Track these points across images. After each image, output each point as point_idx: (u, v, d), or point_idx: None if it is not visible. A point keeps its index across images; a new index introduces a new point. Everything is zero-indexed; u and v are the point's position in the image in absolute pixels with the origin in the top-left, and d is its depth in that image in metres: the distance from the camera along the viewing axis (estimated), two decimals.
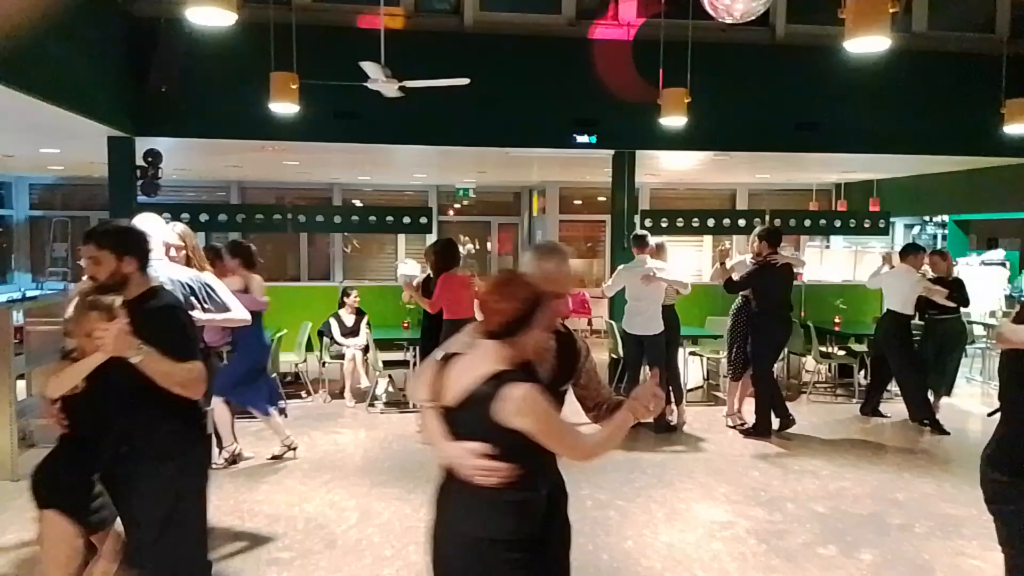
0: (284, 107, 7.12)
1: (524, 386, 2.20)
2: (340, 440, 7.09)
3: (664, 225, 9.99)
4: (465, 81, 7.24)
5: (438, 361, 2.42)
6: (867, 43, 4.66)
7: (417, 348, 7.41)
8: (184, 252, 4.24)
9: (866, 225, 10.64)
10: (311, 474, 6.04)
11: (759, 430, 7.10)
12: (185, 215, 9.87)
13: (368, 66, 6.88)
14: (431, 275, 7.08)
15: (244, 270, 6.16)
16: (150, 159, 8.97)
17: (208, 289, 4.03)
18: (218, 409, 5.88)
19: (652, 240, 7.42)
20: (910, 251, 7.64)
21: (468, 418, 2.29)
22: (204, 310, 3.96)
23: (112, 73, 8.07)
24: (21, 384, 6.21)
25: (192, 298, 3.91)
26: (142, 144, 8.90)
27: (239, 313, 4.20)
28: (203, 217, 9.81)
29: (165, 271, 3.84)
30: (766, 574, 4.39)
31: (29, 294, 12.11)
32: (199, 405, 3.06)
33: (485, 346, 2.32)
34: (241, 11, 4.89)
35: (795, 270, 7.39)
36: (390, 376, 8.70)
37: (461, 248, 7.36)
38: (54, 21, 6.57)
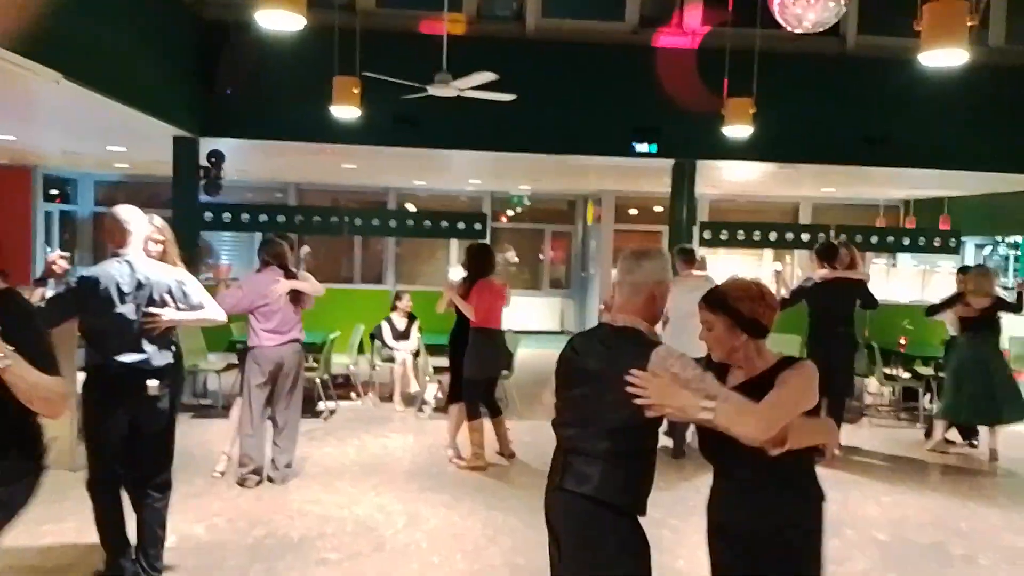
0: (346, 111, 7.17)
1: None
2: (389, 444, 7.08)
3: (724, 238, 9.79)
4: (511, 97, 7.22)
5: None
6: (943, 56, 4.47)
7: (448, 358, 6.74)
8: (161, 246, 4.19)
9: (936, 244, 10.29)
10: (360, 477, 6.03)
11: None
12: (245, 215, 10.06)
13: (436, 88, 6.95)
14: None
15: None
16: (213, 160, 9.13)
17: (183, 287, 3.99)
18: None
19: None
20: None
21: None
22: (177, 308, 3.93)
23: (180, 75, 8.24)
24: (81, 376, 6.33)
25: (168, 295, 3.89)
26: (206, 145, 9.07)
27: (213, 312, 4.12)
28: (262, 218, 9.96)
29: (142, 268, 3.86)
30: None
31: None
32: (42, 436, 2.74)
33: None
34: (307, 15, 4.92)
35: (864, 286, 6.96)
36: (439, 382, 8.66)
37: (503, 256, 7.12)
38: (126, 23, 6.73)
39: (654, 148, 9.28)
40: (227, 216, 9.93)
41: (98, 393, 3.84)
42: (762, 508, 2.43)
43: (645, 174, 11.08)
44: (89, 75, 6.01)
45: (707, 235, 10.26)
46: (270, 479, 5.76)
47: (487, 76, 7.12)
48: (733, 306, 2.47)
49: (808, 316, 7.01)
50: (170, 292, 3.90)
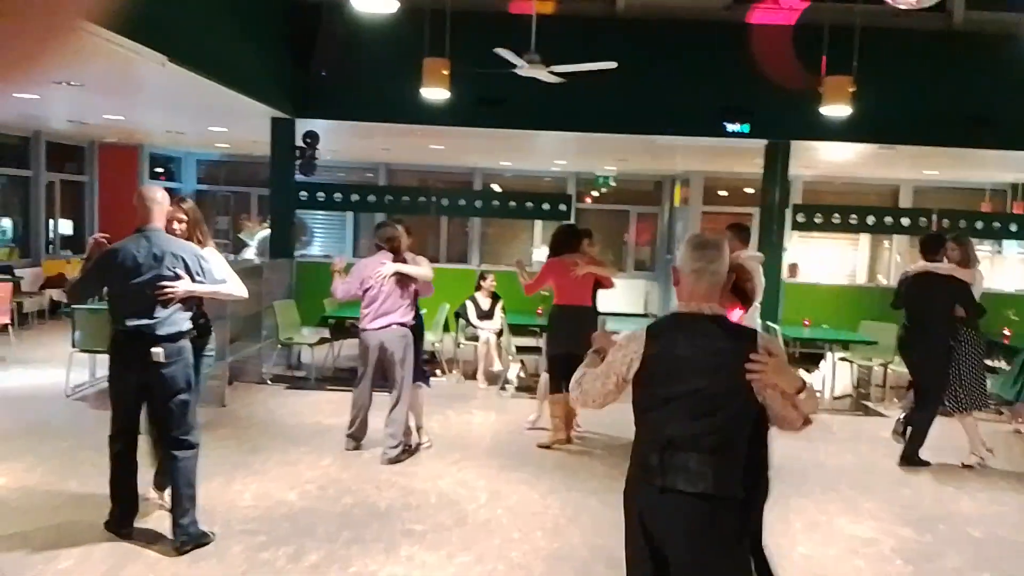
0: (435, 93, 7.26)
1: None
2: (472, 421, 7.20)
3: (818, 221, 9.50)
4: (612, 65, 7.11)
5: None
6: None
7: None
8: (185, 226, 4.50)
9: None
10: (444, 452, 6.17)
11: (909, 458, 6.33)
12: (337, 195, 10.33)
13: (506, 53, 6.90)
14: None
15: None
16: (308, 140, 9.41)
17: (202, 261, 4.23)
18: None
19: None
20: None
21: None
22: (194, 281, 4.16)
23: (277, 57, 8.51)
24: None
25: (183, 269, 4.12)
26: (301, 125, 9.35)
27: (233, 287, 4.40)
28: (354, 197, 10.22)
29: (159, 242, 4.09)
30: None
31: None
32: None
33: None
34: None
35: (965, 288, 6.12)
36: (522, 361, 8.75)
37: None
38: (226, 6, 6.98)
39: (747, 128, 9.07)
40: (321, 195, 10.23)
41: (113, 355, 4.20)
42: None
43: (736, 155, 10.84)
44: (192, 58, 6.28)
45: (800, 218, 9.98)
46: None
47: (593, 65, 7.08)
48: (738, 283, 2.70)
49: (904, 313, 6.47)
50: (187, 266, 4.14)
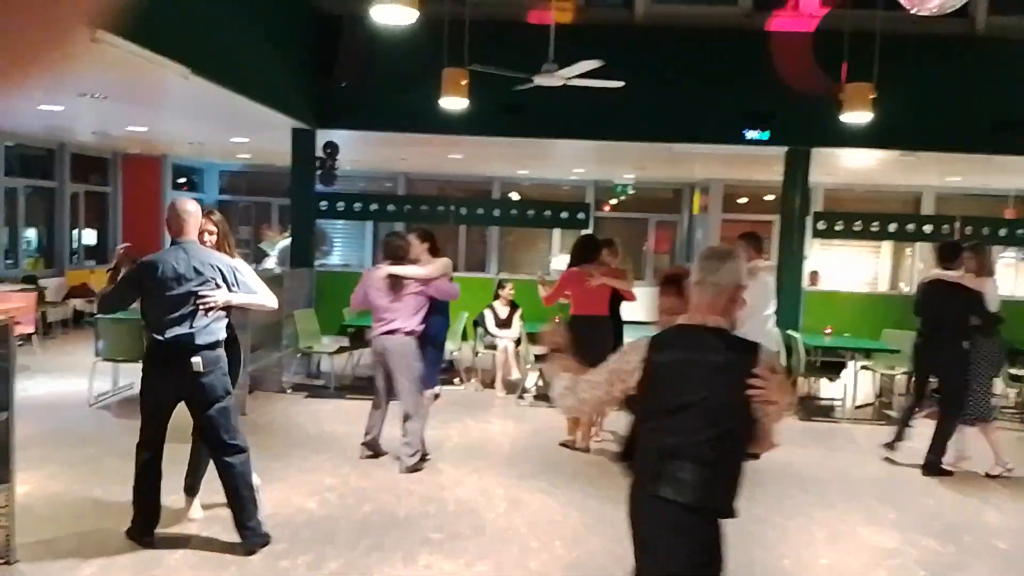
0: (454, 103, 7.30)
1: None
2: (490, 429, 7.20)
3: (839, 229, 9.42)
4: (619, 84, 7.16)
5: None
6: None
7: None
8: (216, 237, 4.53)
9: None
10: (463, 460, 6.17)
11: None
12: (357, 204, 10.40)
13: (541, 79, 7.00)
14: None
15: (430, 255, 6.15)
16: (328, 150, 9.49)
17: (236, 272, 4.32)
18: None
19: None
20: None
21: None
22: (230, 291, 4.27)
23: (298, 68, 8.59)
24: None
25: (220, 280, 4.22)
26: (322, 136, 9.42)
27: (265, 297, 4.45)
28: (373, 207, 10.28)
29: (197, 253, 4.20)
30: None
31: None
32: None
33: None
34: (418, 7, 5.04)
35: (979, 299, 6.08)
36: (540, 370, 8.73)
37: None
38: (248, 19, 7.06)
39: (766, 135, 9.03)
40: (341, 205, 10.30)
41: (151, 365, 4.24)
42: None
43: (756, 162, 10.79)
44: (215, 70, 6.35)
45: (821, 225, 9.92)
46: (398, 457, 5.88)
47: (592, 64, 7.09)
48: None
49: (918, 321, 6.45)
50: (223, 277, 4.23)
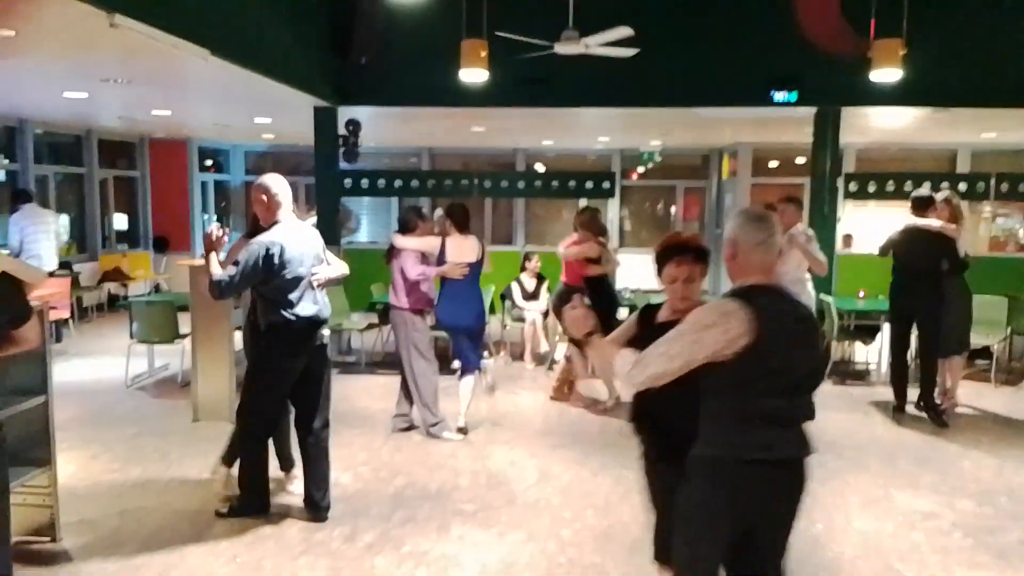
0: (474, 75, 7.23)
1: None
2: (520, 402, 7.22)
3: (871, 190, 9.24)
4: (632, 52, 7.09)
5: None
6: None
7: None
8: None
9: None
10: (494, 432, 6.20)
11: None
12: (381, 181, 10.40)
13: (561, 47, 6.93)
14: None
15: (456, 231, 6.02)
16: (351, 128, 9.46)
17: (324, 248, 4.50)
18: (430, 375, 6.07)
19: None
20: None
21: None
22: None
23: (317, 46, 8.55)
24: (238, 335, 6.80)
25: (323, 255, 4.42)
26: (344, 114, 9.40)
27: (343, 267, 4.64)
28: (397, 183, 10.27)
29: (305, 231, 4.37)
30: (972, 570, 3.99)
31: None
32: None
33: None
34: None
35: (951, 244, 6.49)
36: (575, 356, 8.72)
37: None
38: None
39: (794, 97, 8.82)
40: (365, 182, 10.31)
41: (284, 344, 4.27)
42: None
43: (785, 124, 10.58)
44: (234, 51, 6.34)
45: (853, 187, 9.73)
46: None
47: (621, 32, 6.98)
48: (707, 253, 2.85)
49: (892, 267, 6.72)
50: (324, 252, 4.44)
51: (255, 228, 4.43)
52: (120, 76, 7.58)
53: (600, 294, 6.63)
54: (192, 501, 4.71)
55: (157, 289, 12.84)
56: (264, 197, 4.22)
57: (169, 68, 7.04)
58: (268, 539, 4.21)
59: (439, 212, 9.26)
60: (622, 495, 4.91)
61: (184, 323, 6.94)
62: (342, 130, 9.43)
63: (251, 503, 4.45)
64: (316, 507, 4.45)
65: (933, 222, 6.47)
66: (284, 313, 4.20)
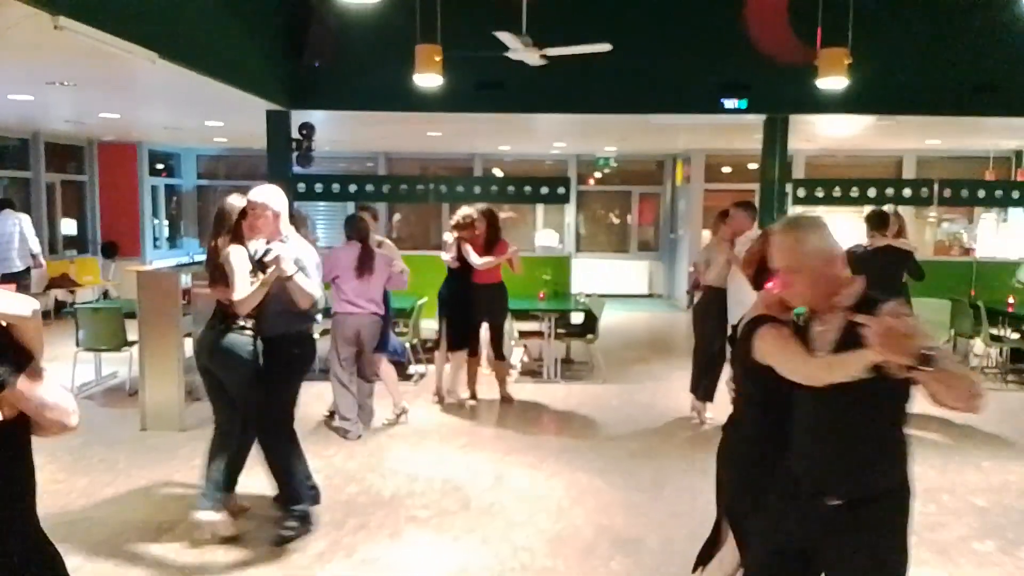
0: (428, 79, 7.22)
1: (764, 325, 2.44)
2: (476, 406, 7.21)
3: (819, 195, 9.44)
4: (606, 47, 7.08)
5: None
6: None
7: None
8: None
9: None
10: (449, 437, 6.20)
11: None
12: (335, 185, 10.33)
13: (505, 36, 6.87)
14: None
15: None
16: (304, 132, 9.39)
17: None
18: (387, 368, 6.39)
19: None
20: None
21: (739, 356, 2.64)
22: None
23: (269, 49, 8.47)
24: (188, 342, 6.69)
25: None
26: (297, 117, 9.32)
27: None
28: (352, 187, 10.21)
29: (299, 245, 4.30)
30: (915, 567, 4.07)
31: (196, 258, 13.04)
32: None
33: (756, 297, 2.70)
34: None
35: (912, 256, 6.93)
36: (525, 346, 8.77)
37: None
38: (214, 1, 6.95)
39: (744, 104, 8.99)
40: (319, 187, 10.22)
41: (311, 350, 4.50)
42: None
43: (736, 131, 10.78)
44: (184, 53, 6.26)
45: (801, 193, 9.93)
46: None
47: (597, 47, 7.05)
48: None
49: None
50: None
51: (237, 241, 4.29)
52: (66, 79, 7.43)
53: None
54: (140, 512, 4.63)
55: (106, 296, 12.57)
56: (269, 214, 4.16)
57: (117, 71, 6.91)
58: (217, 549, 4.14)
59: (397, 217, 9.31)
60: (575, 498, 4.95)
61: (132, 330, 6.81)
62: (296, 134, 9.35)
63: (308, 493, 4.45)
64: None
65: (903, 243, 6.89)
66: (307, 321, 4.37)
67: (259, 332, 4.23)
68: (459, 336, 7.03)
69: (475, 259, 6.87)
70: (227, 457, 4.29)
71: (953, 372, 1.93)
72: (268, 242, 4.17)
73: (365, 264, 5.96)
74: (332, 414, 6.44)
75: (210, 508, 4.21)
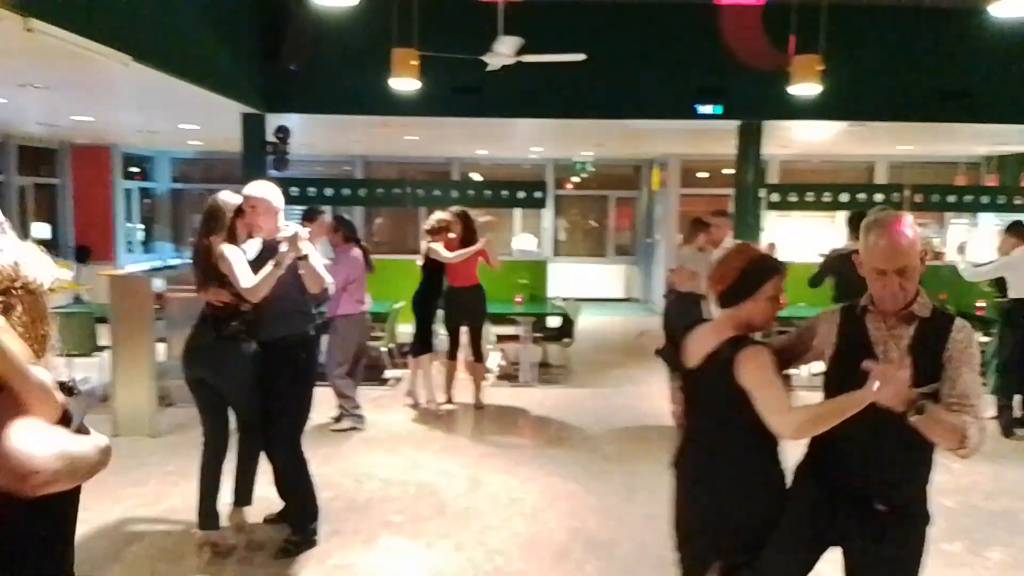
0: (405, 83, 7.22)
1: (750, 346, 2.37)
2: (452, 411, 7.21)
3: (793, 200, 9.54)
4: (580, 57, 7.13)
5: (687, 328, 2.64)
6: (1013, 6, 4.24)
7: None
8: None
9: (1016, 202, 9.81)
10: (424, 442, 6.19)
11: None
12: (312, 189, 10.28)
13: (505, 43, 6.94)
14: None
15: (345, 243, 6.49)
16: (280, 135, 9.35)
17: None
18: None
19: None
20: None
21: (708, 380, 2.46)
22: None
23: (245, 52, 8.43)
24: (161, 347, 6.65)
25: None
26: (273, 120, 9.28)
27: None
28: (328, 191, 10.17)
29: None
30: None
31: (171, 262, 12.94)
32: None
33: (720, 314, 2.53)
34: None
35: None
36: (502, 350, 8.78)
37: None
38: (190, 2, 6.91)
39: (719, 110, 9.08)
40: (295, 190, 10.16)
41: (316, 352, 4.43)
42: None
43: (712, 136, 10.87)
44: (157, 56, 6.22)
45: (774, 198, 10.04)
46: None
47: (572, 56, 7.09)
48: None
49: (834, 288, 6.62)
50: None
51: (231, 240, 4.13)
52: (38, 81, 7.33)
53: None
54: (109, 518, 4.58)
55: (78, 300, 12.41)
56: (271, 210, 4.03)
57: (90, 74, 6.83)
58: (188, 556, 4.12)
59: (379, 221, 9.39)
60: (550, 501, 4.97)
61: (103, 335, 6.74)
62: (271, 137, 9.31)
63: (314, 510, 4.31)
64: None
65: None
66: (308, 322, 4.21)
67: (256, 336, 4.00)
68: (427, 340, 7.03)
69: (445, 254, 6.79)
70: (237, 471, 4.18)
71: (944, 423, 2.09)
72: (265, 240, 4.03)
73: (369, 264, 6.46)
74: (338, 418, 6.48)
75: (208, 526, 4.13)
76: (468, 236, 7.01)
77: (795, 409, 2.23)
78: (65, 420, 1.40)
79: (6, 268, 1.41)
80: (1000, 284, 6.95)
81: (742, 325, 2.48)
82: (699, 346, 2.52)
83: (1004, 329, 6.83)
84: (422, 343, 7.02)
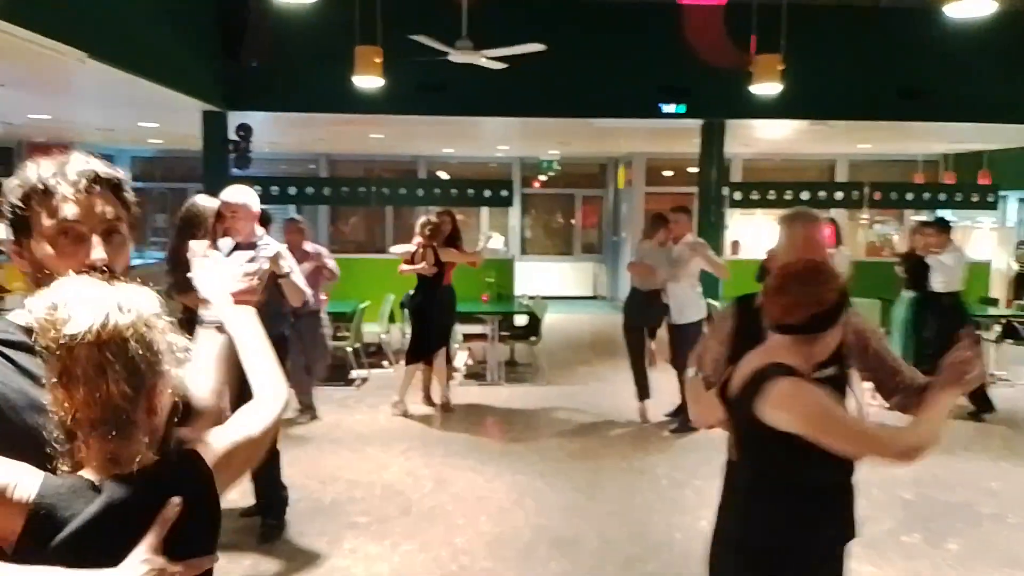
0: (368, 81, 7.17)
1: (784, 380, 1.96)
2: (418, 410, 7.18)
3: (755, 198, 9.65)
4: (540, 47, 7.13)
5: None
6: (969, 6, 4.33)
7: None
8: None
9: (973, 199, 10.03)
10: (390, 443, 6.16)
11: None
12: (275, 188, 10.16)
13: (430, 41, 6.91)
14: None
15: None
16: (242, 133, 9.22)
17: None
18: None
19: None
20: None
21: (741, 413, 2.10)
22: None
23: (205, 49, 8.31)
24: None
25: None
26: (234, 118, 9.16)
27: None
28: (292, 190, 10.06)
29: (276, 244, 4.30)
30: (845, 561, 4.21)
31: (132, 262, 12.70)
32: None
33: (775, 340, 2.09)
34: None
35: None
36: (469, 349, 8.77)
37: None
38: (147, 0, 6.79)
39: (682, 109, 9.15)
40: (257, 189, 10.00)
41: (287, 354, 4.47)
42: None
43: (676, 135, 10.95)
44: (115, 53, 6.10)
45: (737, 196, 10.14)
46: None
47: (529, 47, 7.08)
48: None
49: None
50: None
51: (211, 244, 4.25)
52: None
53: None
54: None
55: None
56: (249, 214, 4.08)
57: (46, 71, 6.69)
58: None
59: (353, 220, 9.40)
60: (516, 500, 4.97)
61: None
62: (233, 135, 9.19)
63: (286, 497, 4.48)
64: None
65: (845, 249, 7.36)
66: (283, 324, 4.26)
67: None
68: (424, 348, 6.95)
69: (464, 256, 7.08)
70: None
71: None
72: (238, 243, 4.00)
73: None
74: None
75: None
76: (454, 234, 7.12)
77: (886, 430, 2.05)
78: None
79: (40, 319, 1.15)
80: (915, 277, 7.14)
81: (810, 356, 2.07)
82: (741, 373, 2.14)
83: (918, 319, 7.20)
84: (418, 351, 6.94)
